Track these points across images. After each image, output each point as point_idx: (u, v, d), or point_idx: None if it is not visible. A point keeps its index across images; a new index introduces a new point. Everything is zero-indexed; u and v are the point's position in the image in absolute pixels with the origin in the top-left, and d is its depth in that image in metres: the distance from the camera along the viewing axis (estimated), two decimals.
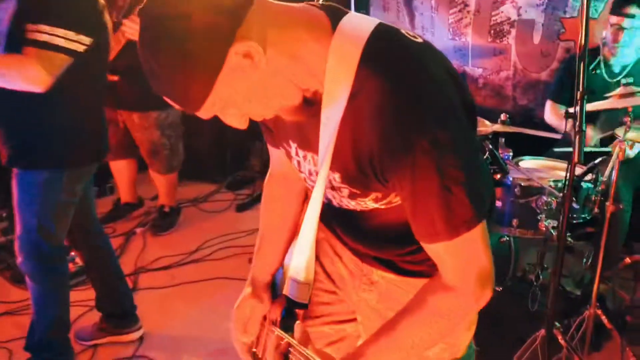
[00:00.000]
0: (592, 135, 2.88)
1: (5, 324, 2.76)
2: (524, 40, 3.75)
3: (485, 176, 1.06)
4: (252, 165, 4.95)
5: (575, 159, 1.80)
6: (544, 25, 3.63)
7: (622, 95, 2.27)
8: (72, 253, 3.41)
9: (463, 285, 1.05)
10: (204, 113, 0.96)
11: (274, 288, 1.45)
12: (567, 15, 3.52)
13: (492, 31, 3.86)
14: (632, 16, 2.81)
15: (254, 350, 1.41)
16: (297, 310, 1.29)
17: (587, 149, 2.01)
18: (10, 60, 2.02)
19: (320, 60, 0.97)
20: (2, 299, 2.53)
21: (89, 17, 2.17)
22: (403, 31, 1.01)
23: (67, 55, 2.04)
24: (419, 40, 1.01)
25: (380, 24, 1.00)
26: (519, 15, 3.72)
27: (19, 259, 2.31)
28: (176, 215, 3.99)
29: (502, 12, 3.78)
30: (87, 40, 2.09)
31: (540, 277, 2.87)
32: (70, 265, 3.32)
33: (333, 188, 1.13)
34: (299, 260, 1.20)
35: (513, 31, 3.77)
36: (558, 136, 3.00)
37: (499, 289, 2.71)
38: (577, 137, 1.79)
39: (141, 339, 2.73)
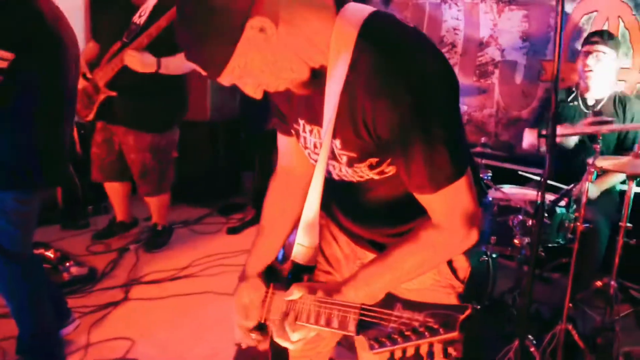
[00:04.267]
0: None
1: (1, 324, 2.83)
2: (506, 80, 3.99)
3: (466, 145, 1.22)
4: (244, 191, 5.09)
5: (546, 174, 1.97)
6: (526, 66, 3.88)
7: (592, 123, 2.46)
8: (67, 264, 3.52)
9: (450, 225, 1.21)
10: (225, 79, 1.14)
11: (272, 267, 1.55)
12: (547, 58, 3.76)
13: (477, 71, 4.11)
14: (596, 42, 3.02)
15: (261, 322, 1.48)
16: (304, 275, 1.38)
17: None
18: None
19: (326, 38, 1.15)
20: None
21: (15, 32, 2.06)
22: (397, 17, 1.20)
23: None
24: (411, 25, 1.19)
25: (377, 10, 1.18)
26: (502, 56, 3.98)
27: None
28: (168, 234, 4.11)
29: (487, 53, 4.03)
30: (7, 55, 2.01)
31: (517, 300, 3.00)
32: (65, 275, 3.43)
33: (334, 157, 1.27)
34: (305, 225, 1.33)
35: (496, 71, 4.02)
36: (538, 171, 3.18)
37: (478, 307, 2.83)
38: (549, 154, 1.97)
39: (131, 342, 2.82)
